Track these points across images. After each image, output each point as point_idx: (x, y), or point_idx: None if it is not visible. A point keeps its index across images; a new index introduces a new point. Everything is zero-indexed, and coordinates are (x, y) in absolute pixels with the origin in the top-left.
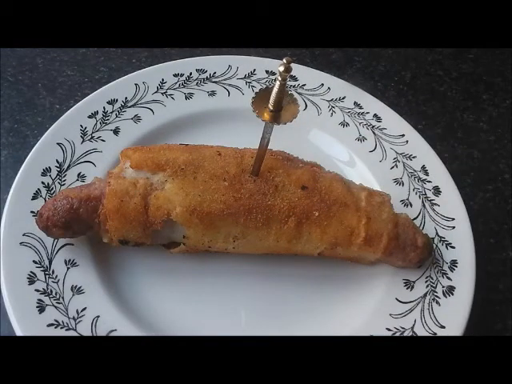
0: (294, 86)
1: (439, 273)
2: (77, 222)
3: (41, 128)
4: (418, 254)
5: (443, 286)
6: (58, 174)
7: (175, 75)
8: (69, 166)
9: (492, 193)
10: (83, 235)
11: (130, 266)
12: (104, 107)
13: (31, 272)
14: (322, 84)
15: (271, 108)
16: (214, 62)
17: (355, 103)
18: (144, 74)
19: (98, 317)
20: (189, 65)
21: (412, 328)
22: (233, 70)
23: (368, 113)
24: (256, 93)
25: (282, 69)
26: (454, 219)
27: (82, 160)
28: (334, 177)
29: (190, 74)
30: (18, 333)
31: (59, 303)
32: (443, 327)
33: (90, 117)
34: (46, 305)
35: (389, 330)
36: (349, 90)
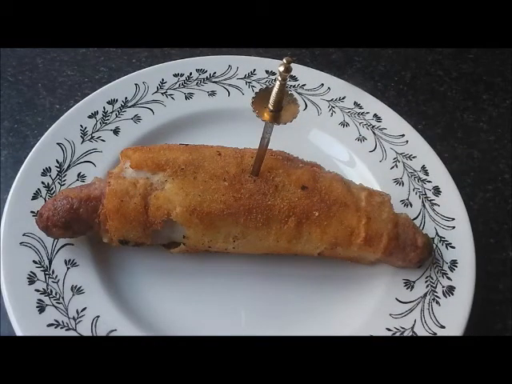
0: (294, 86)
1: (439, 273)
2: (77, 222)
3: (41, 128)
4: (417, 253)
5: (443, 286)
6: (58, 174)
7: (175, 75)
8: (69, 166)
9: (492, 193)
10: (83, 235)
11: (130, 266)
12: (104, 107)
13: (31, 272)
14: (322, 84)
15: (271, 108)
16: (214, 62)
17: (355, 103)
18: (144, 74)
19: (97, 317)
20: (189, 65)
21: (412, 328)
22: (233, 70)
23: (368, 113)
24: (256, 93)
25: (282, 69)
26: (454, 219)
27: (82, 160)
28: (334, 177)
29: (190, 73)
30: (18, 333)
31: (59, 303)
32: (443, 327)
33: (90, 117)
34: (46, 305)
35: (389, 330)
36: (349, 90)
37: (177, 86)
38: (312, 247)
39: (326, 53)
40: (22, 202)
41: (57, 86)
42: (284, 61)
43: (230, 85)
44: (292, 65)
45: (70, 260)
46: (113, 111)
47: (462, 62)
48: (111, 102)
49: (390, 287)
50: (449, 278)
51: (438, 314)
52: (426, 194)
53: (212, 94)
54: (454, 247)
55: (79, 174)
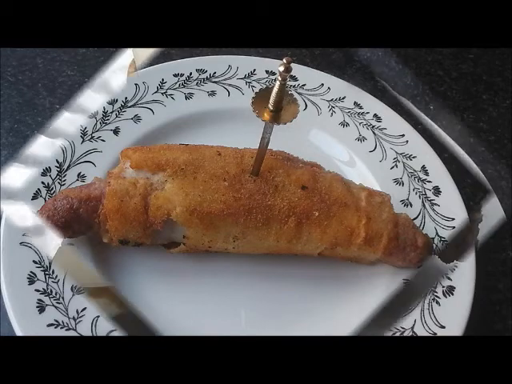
0: (294, 86)
1: None
2: (77, 222)
3: (41, 128)
4: (417, 253)
5: (443, 286)
6: (57, 174)
7: (175, 75)
8: (69, 166)
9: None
10: (83, 235)
11: (130, 265)
12: (104, 107)
13: (31, 272)
14: (322, 84)
15: (271, 108)
16: (214, 62)
17: (355, 103)
18: (144, 74)
19: (98, 317)
20: (189, 65)
21: (412, 328)
22: (233, 70)
23: (368, 113)
24: (256, 93)
25: (281, 69)
26: (453, 219)
27: (82, 160)
28: (334, 177)
29: (190, 73)
30: (18, 333)
31: (59, 303)
32: (443, 327)
33: (90, 117)
34: (46, 305)
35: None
36: (349, 90)
37: (177, 86)
38: (312, 247)
39: (326, 53)
40: (22, 202)
41: (57, 86)
42: (284, 61)
43: (230, 85)
44: (292, 65)
45: None
46: (113, 111)
47: (462, 62)
48: (111, 102)
49: (390, 287)
50: (449, 278)
51: (438, 314)
52: (425, 194)
53: (212, 93)
54: None
55: (79, 174)
